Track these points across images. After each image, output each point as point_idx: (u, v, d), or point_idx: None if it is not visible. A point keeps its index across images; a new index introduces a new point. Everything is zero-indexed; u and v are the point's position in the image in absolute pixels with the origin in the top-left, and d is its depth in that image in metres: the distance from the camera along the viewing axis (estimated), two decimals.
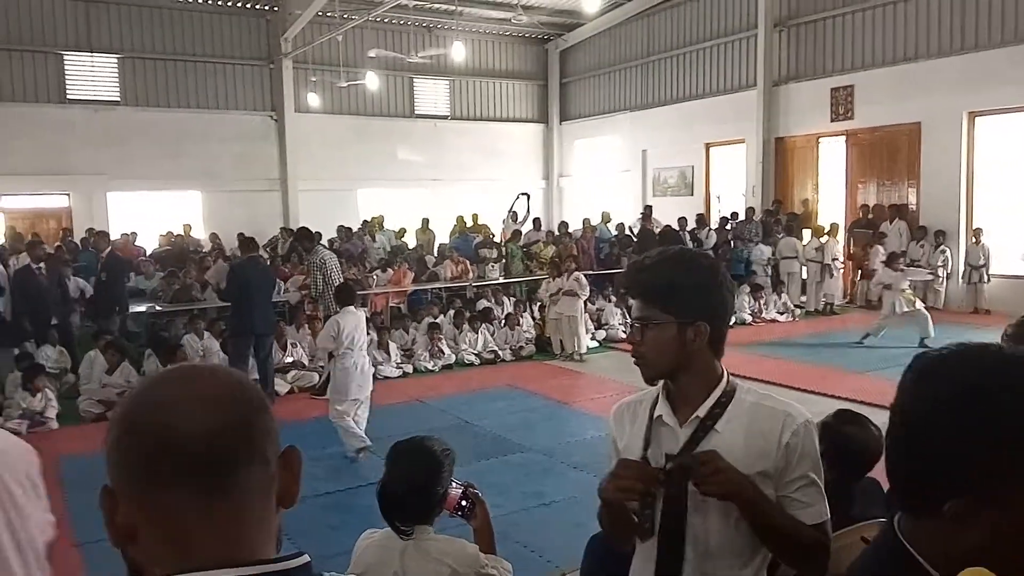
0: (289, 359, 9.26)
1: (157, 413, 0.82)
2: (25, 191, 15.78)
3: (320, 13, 16.17)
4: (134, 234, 15.12)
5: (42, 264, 9.23)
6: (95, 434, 7.51)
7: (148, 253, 14.43)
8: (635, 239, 14.72)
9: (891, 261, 10.66)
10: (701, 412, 1.73)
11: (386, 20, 18.19)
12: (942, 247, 12.85)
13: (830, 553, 1.78)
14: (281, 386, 8.82)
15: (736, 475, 1.63)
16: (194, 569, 0.79)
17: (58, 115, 15.82)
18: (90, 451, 6.54)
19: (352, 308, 6.77)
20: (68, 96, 16.12)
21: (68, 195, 16.25)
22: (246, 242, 8.64)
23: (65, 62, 16.09)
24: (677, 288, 1.68)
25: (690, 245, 14.04)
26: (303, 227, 9.71)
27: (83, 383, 8.24)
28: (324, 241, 14.91)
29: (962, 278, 12.77)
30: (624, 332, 10.90)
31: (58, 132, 15.62)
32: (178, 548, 0.81)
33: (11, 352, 8.55)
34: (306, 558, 0.85)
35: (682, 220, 14.68)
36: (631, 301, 1.82)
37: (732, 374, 1.81)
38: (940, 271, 12.79)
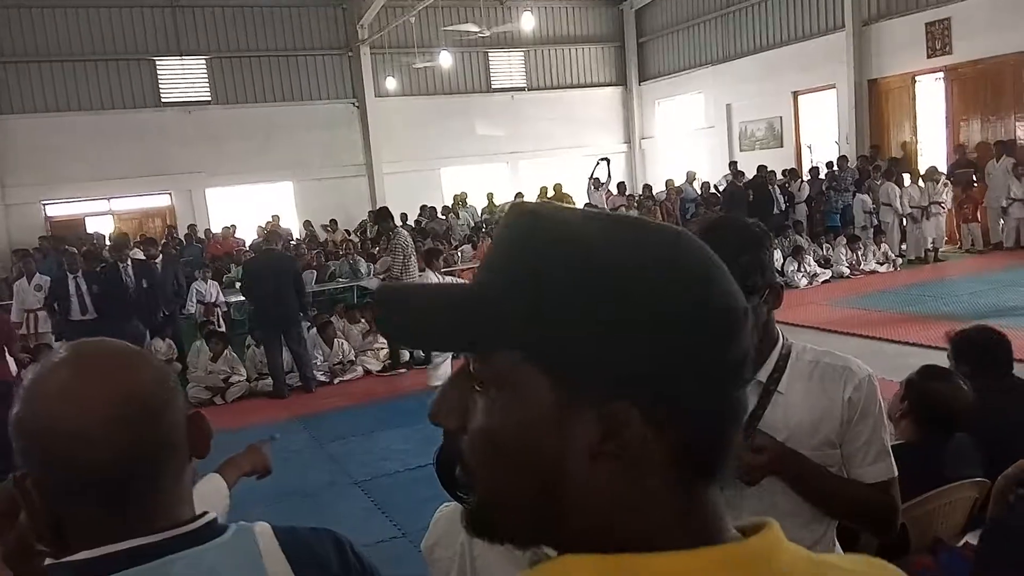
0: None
1: (62, 442, 0.84)
2: (130, 193, 16.71)
3: None
4: (233, 227, 15.81)
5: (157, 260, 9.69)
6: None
7: (247, 245, 15.05)
8: (722, 197, 14.33)
9: None
10: (762, 376, 1.69)
11: None
12: None
13: (899, 512, 1.73)
14: (373, 365, 9.07)
15: (778, 456, 1.60)
16: (106, 543, 0.86)
17: (155, 118, 16.63)
18: None
19: (429, 272, 7.92)
20: (163, 100, 16.91)
21: (170, 194, 17.12)
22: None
23: (157, 67, 16.86)
24: (746, 269, 1.53)
25: (780, 199, 13.59)
26: (382, 207, 9.96)
27: (190, 371, 8.73)
28: (411, 222, 15.31)
29: None
30: None
31: (156, 135, 16.43)
32: (99, 533, 0.87)
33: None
34: (211, 516, 0.92)
35: (770, 173, 14.10)
36: None
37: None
38: None
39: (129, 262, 8.69)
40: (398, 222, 15.16)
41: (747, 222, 1.70)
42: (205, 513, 0.93)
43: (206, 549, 0.89)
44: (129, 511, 0.88)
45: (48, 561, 0.88)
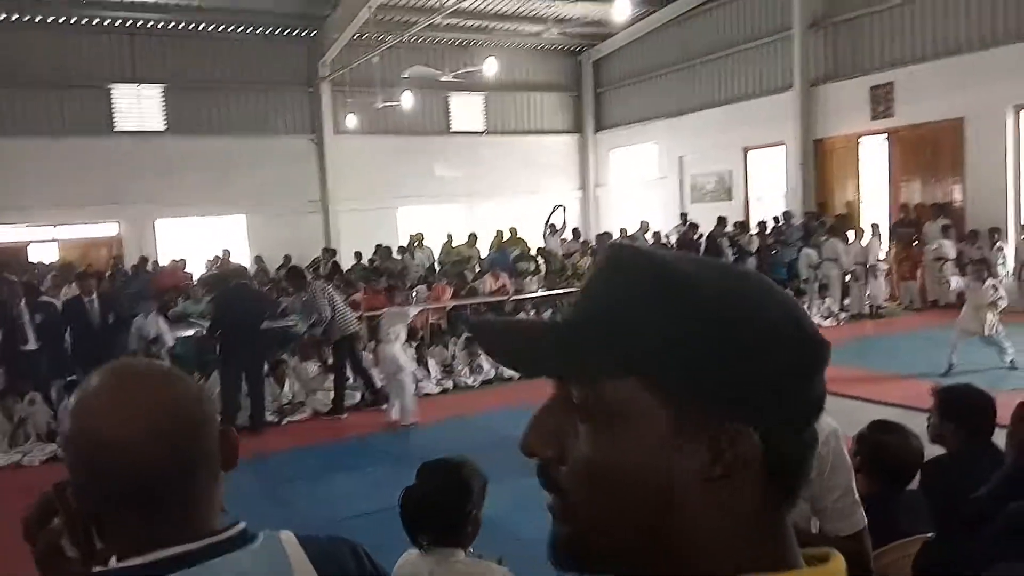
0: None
1: (106, 452, 0.91)
2: (77, 221, 16.31)
3: (356, 36, 16.47)
4: (183, 260, 15.49)
5: (94, 296, 9.32)
6: None
7: (196, 278, 14.73)
8: (675, 247, 14.62)
9: (977, 266, 9.11)
10: None
11: (420, 39, 18.37)
12: (998, 244, 12.40)
13: (870, 560, 1.77)
14: (322, 406, 8.94)
15: None
16: (149, 550, 0.92)
17: (107, 146, 16.31)
18: None
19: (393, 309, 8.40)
20: (116, 128, 16.62)
21: (118, 224, 16.74)
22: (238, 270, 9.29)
23: (112, 95, 16.61)
24: None
25: (728, 252, 13.91)
26: (293, 266, 10.02)
27: None
28: (365, 260, 15.23)
29: (1012, 275, 12.38)
30: None
31: (107, 163, 16.10)
32: (137, 539, 0.93)
33: (60, 383, 8.73)
34: (242, 525, 0.99)
35: (722, 219, 14.58)
36: None
37: None
38: (999, 269, 12.38)
39: (95, 295, 8.33)
40: (351, 260, 15.28)
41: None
42: (238, 522, 1.00)
43: (240, 555, 0.97)
44: (167, 519, 0.95)
45: (97, 568, 0.94)
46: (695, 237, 14.46)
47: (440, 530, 2.25)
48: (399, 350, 8.33)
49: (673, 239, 15.73)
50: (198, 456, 0.97)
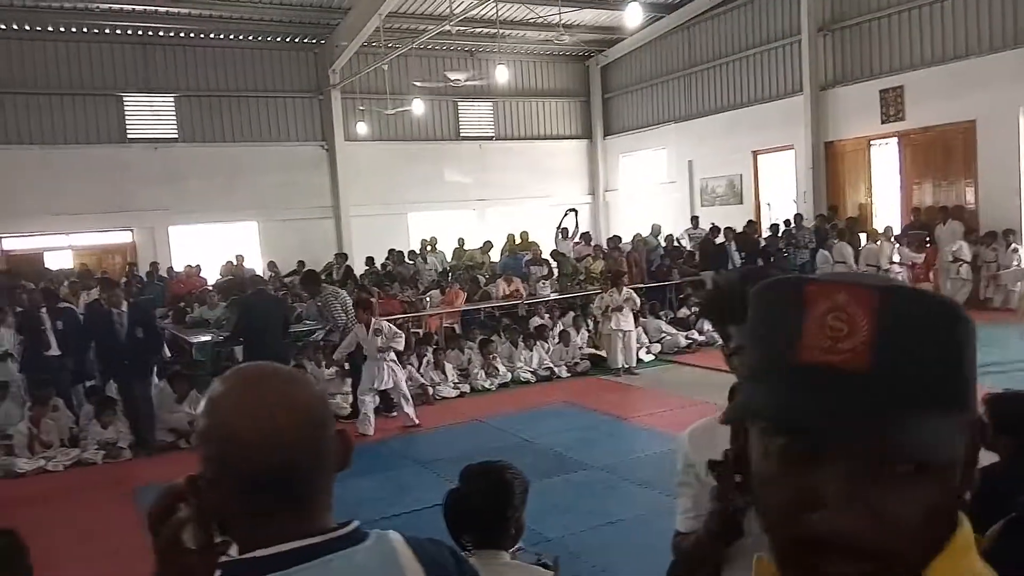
0: None
1: (237, 448, 0.97)
2: (90, 229, 16.41)
3: (366, 44, 16.57)
4: (198, 266, 15.60)
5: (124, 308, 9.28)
6: (167, 463, 7.69)
7: (211, 284, 14.81)
8: (692, 251, 14.67)
9: None
10: None
11: (429, 47, 18.51)
12: (1013, 246, 12.37)
13: None
14: (342, 410, 9.02)
15: None
16: (274, 543, 0.97)
17: (119, 154, 16.45)
18: (163, 480, 6.73)
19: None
20: (128, 136, 16.76)
21: (131, 231, 16.87)
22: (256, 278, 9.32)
23: (125, 103, 16.75)
24: None
25: (735, 255, 13.97)
26: (308, 271, 10.05)
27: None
28: (377, 265, 15.33)
29: None
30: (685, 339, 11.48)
31: (120, 171, 16.24)
32: (261, 532, 0.98)
33: (80, 387, 8.83)
34: (356, 524, 1.04)
35: (752, 222, 14.96)
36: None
37: None
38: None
39: (124, 306, 8.21)
40: (363, 265, 15.37)
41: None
42: (351, 520, 1.04)
43: (356, 551, 1.01)
44: (290, 514, 1.00)
45: (223, 558, 0.98)
46: (714, 240, 14.56)
47: (482, 532, 2.28)
48: (394, 365, 8.44)
49: (686, 242, 15.79)
50: (319, 455, 1.01)
